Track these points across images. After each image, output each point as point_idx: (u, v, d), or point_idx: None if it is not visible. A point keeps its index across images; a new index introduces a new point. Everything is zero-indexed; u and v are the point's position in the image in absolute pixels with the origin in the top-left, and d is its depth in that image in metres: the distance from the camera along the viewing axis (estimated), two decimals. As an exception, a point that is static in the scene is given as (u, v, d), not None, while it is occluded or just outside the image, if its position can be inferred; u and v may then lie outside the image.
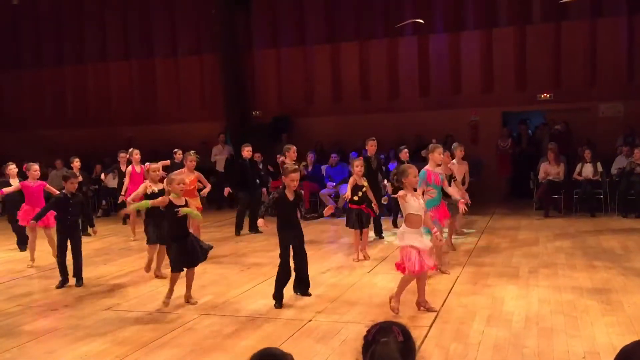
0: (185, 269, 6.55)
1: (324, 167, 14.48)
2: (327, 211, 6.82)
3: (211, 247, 6.74)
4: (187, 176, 8.76)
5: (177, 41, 18.15)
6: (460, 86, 16.00)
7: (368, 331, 2.09)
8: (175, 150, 11.82)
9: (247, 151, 11.11)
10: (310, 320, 5.87)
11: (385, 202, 10.62)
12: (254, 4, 17.10)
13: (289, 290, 7.12)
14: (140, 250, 9.25)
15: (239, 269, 8.42)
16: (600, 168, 12.63)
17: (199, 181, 9.35)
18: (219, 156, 15.98)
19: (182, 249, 6.40)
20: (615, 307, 6.00)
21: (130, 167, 10.77)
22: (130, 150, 10.98)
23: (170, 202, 6.44)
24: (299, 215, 6.60)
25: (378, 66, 16.48)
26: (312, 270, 8.06)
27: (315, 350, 5.08)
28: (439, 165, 7.60)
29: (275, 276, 6.52)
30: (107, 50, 18.75)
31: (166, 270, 8.39)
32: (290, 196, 6.45)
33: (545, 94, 15.33)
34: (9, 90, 19.66)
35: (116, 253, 9.91)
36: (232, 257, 9.25)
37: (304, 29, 17.09)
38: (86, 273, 8.39)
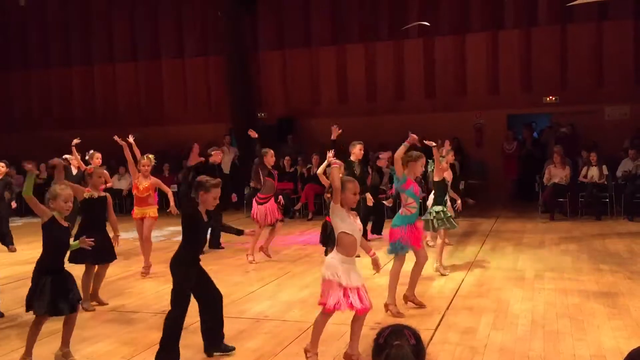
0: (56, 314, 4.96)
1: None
2: (249, 232, 5.65)
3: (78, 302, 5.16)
4: (140, 182, 8.29)
5: (183, 43, 18.21)
6: (465, 88, 15.99)
7: (379, 334, 2.09)
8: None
9: (215, 155, 9.89)
10: (315, 322, 5.86)
11: (390, 204, 10.57)
12: (259, 6, 17.14)
13: (291, 292, 7.12)
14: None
15: (243, 271, 8.43)
16: (606, 171, 12.58)
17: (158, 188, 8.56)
18: (225, 158, 15.98)
19: (56, 286, 4.84)
20: (622, 310, 5.98)
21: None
22: (91, 152, 10.10)
23: (54, 220, 4.86)
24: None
25: (384, 68, 16.49)
26: (317, 272, 8.07)
27: (320, 352, 5.08)
28: (418, 176, 6.50)
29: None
30: (114, 52, 18.82)
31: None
32: (205, 216, 4.94)
33: (551, 97, 15.30)
34: (17, 90, 19.75)
35: (120, 254, 9.90)
36: (236, 259, 9.25)
37: (310, 31, 17.11)
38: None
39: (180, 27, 18.15)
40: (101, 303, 6.79)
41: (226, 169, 15.68)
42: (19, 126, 19.26)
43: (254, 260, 8.84)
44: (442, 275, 7.68)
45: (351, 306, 4.60)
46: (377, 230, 10.84)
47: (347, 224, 4.61)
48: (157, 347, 5.33)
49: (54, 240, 4.88)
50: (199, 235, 5.01)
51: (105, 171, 7.59)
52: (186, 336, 5.60)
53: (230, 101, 16.67)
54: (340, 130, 8.14)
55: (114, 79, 18.89)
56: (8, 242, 10.45)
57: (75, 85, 19.26)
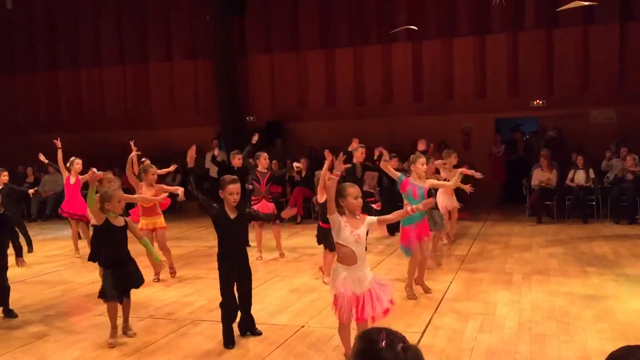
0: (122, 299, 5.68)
1: (318, 172, 14.47)
2: (286, 213, 6.14)
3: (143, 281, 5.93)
4: (145, 192, 7.93)
5: (171, 46, 18.14)
6: (453, 92, 16.06)
7: (373, 340, 1.95)
8: (143, 159, 9.94)
9: (238, 159, 9.84)
10: (303, 326, 5.87)
11: (378, 208, 10.60)
12: (248, 9, 17.13)
13: (279, 296, 7.12)
14: (136, 256, 9.21)
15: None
16: (592, 174, 12.67)
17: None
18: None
19: (118, 277, 5.58)
20: (608, 313, 6.02)
21: (65, 177, 9.80)
22: (72, 159, 9.86)
23: (108, 222, 5.57)
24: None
25: (372, 71, 16.53)
26: (306, 275, 8.09)
27: (308, 356, 5.08)
28: (420, 178, 6.72)
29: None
30: (101, 55, 18.73)
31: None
32: (232, 213, 5.30)
33: (537, 101, 15.39)
34: (3, 94, 19.59)
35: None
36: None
37: (298, 34, 17.12)
38: (79, 278, 8.36)
39: (168, 30, 18.09)
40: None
41: (213, 172, 15.65)
42: (5, 130, 19.09)
43: (260, 257, 9.21)
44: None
45: (357, 317, 4.56)
46: (390, 231, 10.99)
47: (343, 235, 4.51)
48: (145, 352, 5.34)
49: (109, 240, 5.62)
50: (227, 233, 5.31)
51: (108, 174, 7.65)
52: (176, 339, 5.59)
53: (218, 104, 16.64)
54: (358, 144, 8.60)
55: (101, 83, 18.79)
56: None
57: (62, 88, 19.14)
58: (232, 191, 5.23)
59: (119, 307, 5.68)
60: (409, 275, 6.88)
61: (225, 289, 5.33)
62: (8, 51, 19.33)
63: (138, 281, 5.78)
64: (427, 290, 6.96)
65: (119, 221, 5.63)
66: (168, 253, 8.23)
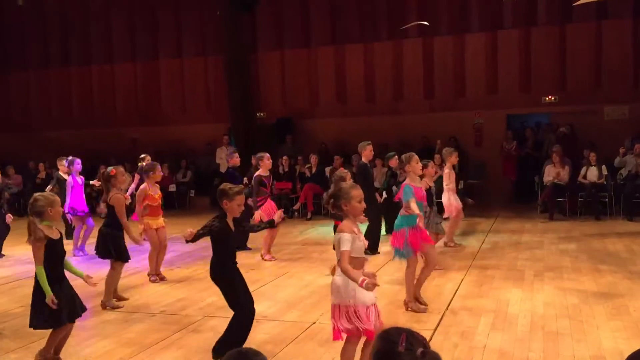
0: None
1: (328, 169, 14.48)
2: (277, 217, 5.49)
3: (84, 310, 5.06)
4: (154, 191, 7.70)
5: (182, 43, 18.18)
6: (464, 88, 15.98)
7: (392, 341, 1.90)
8: (143, 155, 10.12)
9: (236, 157, 9.70)
10: (314, 323, 5.86)
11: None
12: (259, 6, 17.12)
13: (290, 293, 7.12)
14: (146, 251, 9.24)
15: (243, 271, 8.36)
16: (605, 171, 12.58)
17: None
18: (224, 158, 15.99)
19: (69, 294, 4.87)
20: (621, 311, 5.97)
21: (70, 178, 9.74)
22: (71, 159, 9.80)
23: (49, 239, 4.68)
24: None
25: (382, 68, 16.48)
26: (316, 273, 8.08)
27: (319, 353, 5.07)
28: (420, 176, 6.35)
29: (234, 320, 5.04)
30: (113, 52, 18.79)
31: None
32: (231, 225, 4.90)
33: (550, 97, 15.29)
34: (16, 91, 19.72)
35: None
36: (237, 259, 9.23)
37: (309, 31, 17.10)
38: (93, 274, 8.38)
39: (178, 27, 18.12)
40: (122, 298, 6.90)
41: (224, 168, 15.70)
42: (17, 126, 19.23)
43: (272, 258, 8.99)
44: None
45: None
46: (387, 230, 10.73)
47: (356, 245, 4.06)
48: (156, 347, 5.33)
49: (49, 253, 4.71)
50: (230, 248, 5.03)
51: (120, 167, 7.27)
52: (187, 335, 5.60)
53: (229, 101, 16.65)
54: None
55: (113, 79, 18.86)
56: None
57: (73, 85, 19.23)
58: (241, 202, 4.84)
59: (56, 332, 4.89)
60: (407, 290, 6.17)
61: (244, 301, 4.94)
62: (20, 48, 19.43)
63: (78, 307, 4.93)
64: (422, 304, 6.21)
65: (55, 233, 4.77)
66: (164, 252, 8.08)
